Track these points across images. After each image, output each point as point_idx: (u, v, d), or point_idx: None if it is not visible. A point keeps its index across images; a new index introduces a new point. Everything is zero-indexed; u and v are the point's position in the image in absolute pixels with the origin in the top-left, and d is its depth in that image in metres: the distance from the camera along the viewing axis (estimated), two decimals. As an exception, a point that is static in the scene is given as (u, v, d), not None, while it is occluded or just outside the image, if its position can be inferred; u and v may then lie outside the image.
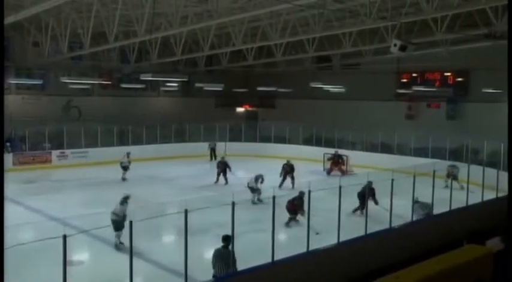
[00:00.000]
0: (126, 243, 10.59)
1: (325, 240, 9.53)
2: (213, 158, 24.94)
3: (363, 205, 13.05)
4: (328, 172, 22.23)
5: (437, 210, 12.01)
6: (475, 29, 17.93)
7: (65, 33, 19.15)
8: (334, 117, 27.39)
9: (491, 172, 13.72)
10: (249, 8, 15.45)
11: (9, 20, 13.53)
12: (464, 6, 14.64)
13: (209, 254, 8.29)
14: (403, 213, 11.40)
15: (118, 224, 10.76)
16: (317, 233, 9.67)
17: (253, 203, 14.35)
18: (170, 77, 26.13)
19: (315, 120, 27.23)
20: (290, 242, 10.82)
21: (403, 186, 10.89)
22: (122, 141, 25.44)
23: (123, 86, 27.83)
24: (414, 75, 27.46)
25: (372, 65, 25.83)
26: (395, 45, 12.58)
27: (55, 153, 23.46)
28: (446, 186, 14.74)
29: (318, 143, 26.32)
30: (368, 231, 9.94)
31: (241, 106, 34.13)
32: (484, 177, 13.23)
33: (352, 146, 25.27)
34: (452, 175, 16.31)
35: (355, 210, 13.66)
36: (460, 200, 12.56)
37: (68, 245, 6.04)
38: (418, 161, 18.92)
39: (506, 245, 6.62)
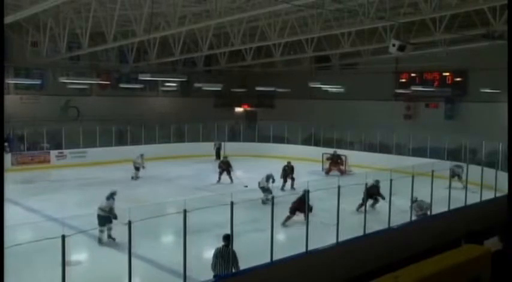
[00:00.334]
0: (119, 239, 10.69)
1: (325, 240, 9.54)
2: (219, 158, 24.99)
3: (375, 201, 14.30)
4: (327, 172, 22.25)
5: (440, 209, 12.06)
6: (473, 29, 17.95)
7: (63, 33, 19.12)
8: (332, 117, 27.40)
9: (489, 172, 13.74)
10: (247, 8, 15.46)
11: (7, 20, 13.50)
12: (462, 7, 14.67)
13: (208, 254, 8.29)
14: (403, 213, 11.41)
15: (103, 219, 11.27)
16: (322, 222, 9.69)
17: (264, 202, 14.27)
18: (169, 77, 26.15)
19: (314, 120, 27.25)
20: (289, 242, 10.82)
21: (403, 186, 10.92)
22: (121, 141, 25.46)
23: (122, 86, 27.79)
24: (413, 75, 27.48)
25: (370, 65, 25.83)
26: (393, 45, 12.62)
27: (53, 153, 23.44)
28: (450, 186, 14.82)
29: (317, 143, 26.34)
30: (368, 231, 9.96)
31: (240, 106, 34.16)
32: (482, 177, 13.25)
33: (351, 146, 25.30)
34: (456, 175, 16.38)
35: (372, 205, 14.30)
36: (462, 199, 12.60)
37: (66, 245, 6.04)
38: (416, 161, 18.92)
39: (504, 244, 6.65)
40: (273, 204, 8.35)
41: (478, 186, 13.39)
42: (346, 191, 9.47)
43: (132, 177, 20.00)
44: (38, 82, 24.85)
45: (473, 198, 12.85)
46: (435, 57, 22.50)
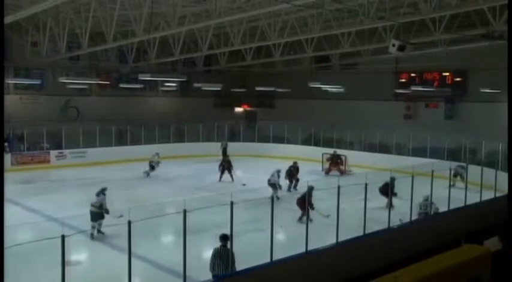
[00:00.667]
0: (119, 239, 10.67)
1: (325, 240, 9.54)
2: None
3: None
4: (327, 172, 22.25)
5: (440, 209, 12.09)
6: (473, 29, 17.95)
7: (63, 33, 19.12)
8: (332, 117, 27.38)
9: (489, 172, 13.75)
10: (247, 8, 15.45)
11: (7, 20, 13.49)
12: (462, 7, 14.68)
13: (208, 254, 8.29)
14: (403, 212, 11.42)
15: (95, 214, 11.66)
16: (327, 216, 9.66)
17: (278, 198, 14.29)
18: (169, 77, 26.14)
19: (314, 120, 27.24)
20: (289, 242, 10.81)
21: (402, 185, 10.93)
22: (121, 142, 25.47)
23: (122, 86, 27.77)
24: (412, 75, 27.48)
25: (370, 65, 25.82)
26: (393, 45, 12.62)
27: (53, 153, 23.45)
28: (453, 185, 14.87)
29: (317, 143, 26.35)
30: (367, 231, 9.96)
31: (239, 106, 34.15)
32: (482, 177, 13.25)
33: (351, 146, 25.30)
34: (459, 174, 16.43)
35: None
36: (462, 199, 12.59)
37: (66, 245, 6.04)
38: (416, 161, 18.93)
39: (504, 244, 6.65)
40: (273, 204, 8.35)
41: (477, 186, 13.39)
42: (346, 191, 9.47)
43: (146, 173, 20.63)
44: (38, 82, 24.85)
45: (474, 199, 12.85)
46: (435, 57, 22.50)
